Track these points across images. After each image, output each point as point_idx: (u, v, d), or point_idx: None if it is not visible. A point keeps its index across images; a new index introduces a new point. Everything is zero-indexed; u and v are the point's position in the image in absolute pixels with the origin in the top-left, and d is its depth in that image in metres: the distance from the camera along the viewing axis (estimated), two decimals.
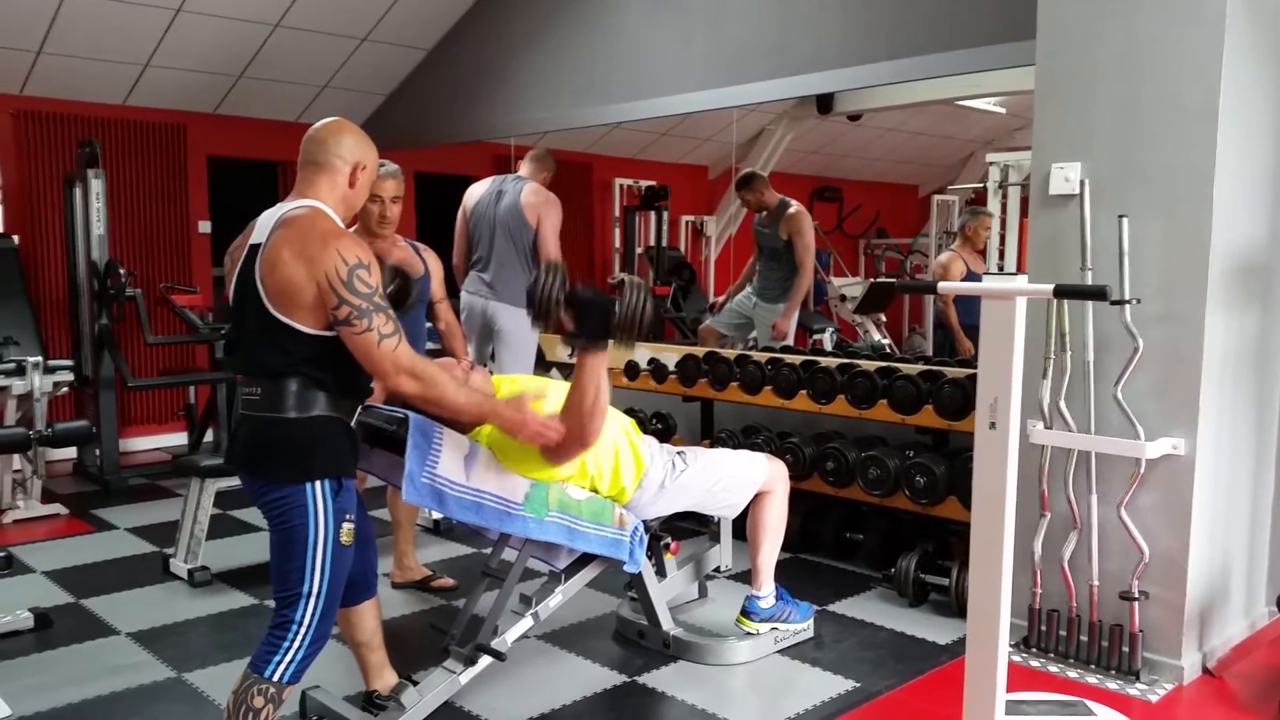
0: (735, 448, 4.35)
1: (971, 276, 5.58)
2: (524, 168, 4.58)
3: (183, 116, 6.49)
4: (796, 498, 3.97)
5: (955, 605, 3.50)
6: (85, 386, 5.58)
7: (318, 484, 2.19)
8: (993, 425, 1.97)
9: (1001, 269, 6.61)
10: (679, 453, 3.02)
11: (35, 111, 5.92)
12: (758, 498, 3.09)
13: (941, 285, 2.16)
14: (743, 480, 3.04)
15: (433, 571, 3.84)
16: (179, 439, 6.43)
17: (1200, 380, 2.87)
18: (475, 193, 4.55)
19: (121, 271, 5.33)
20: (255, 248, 2.19)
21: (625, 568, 2.88)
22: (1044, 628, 3.17)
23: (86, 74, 5.83)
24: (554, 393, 2.73)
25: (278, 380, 2.18)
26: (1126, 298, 2.89)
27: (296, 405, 2.18)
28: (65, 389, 5.08)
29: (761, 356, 4.53)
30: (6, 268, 5.54)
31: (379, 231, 3.43)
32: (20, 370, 4.81)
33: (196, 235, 6.68)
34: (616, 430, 2.83)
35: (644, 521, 2.94)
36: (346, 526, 2.24)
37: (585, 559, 2.94)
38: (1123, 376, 2.92)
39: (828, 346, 7.06)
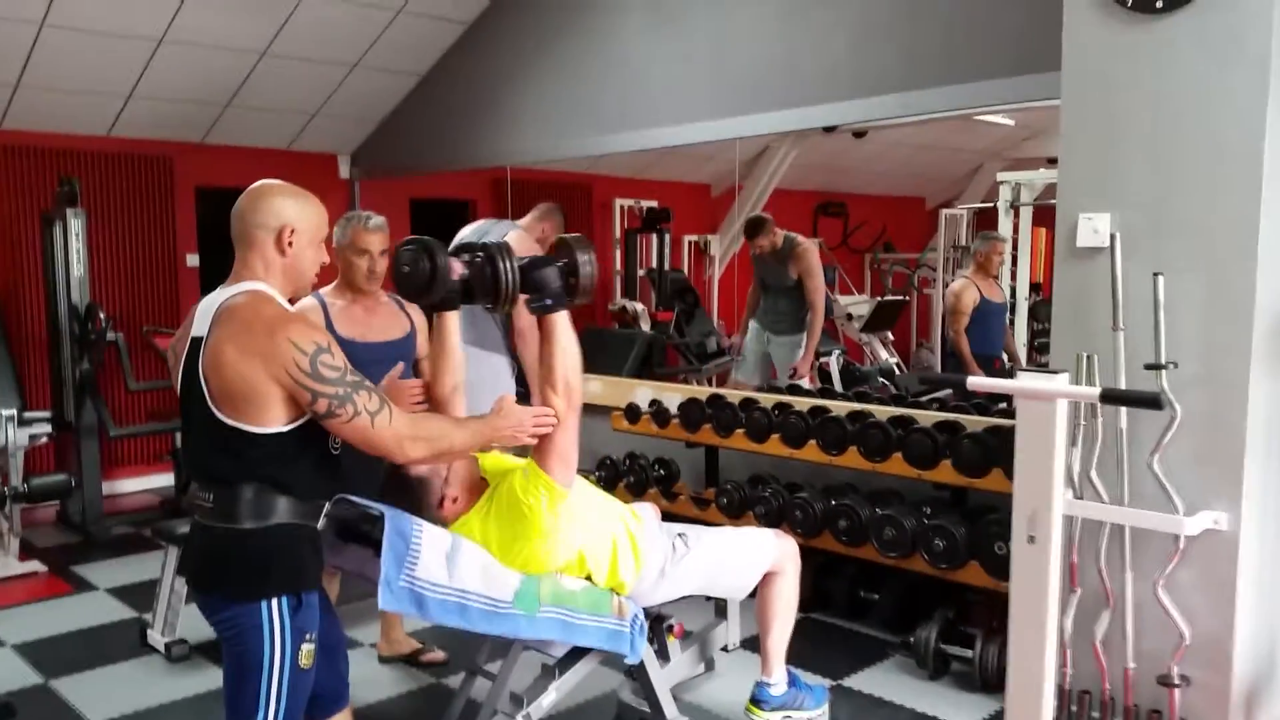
0: (741, 499, 4.16)
1: (985, 305, 5.37)
2: (527, 216, 4.32)
3: (169, 147, 6.29)
4: (807, 554, 3.77)
5: (979, 677, 3.28)
6: (67, 433, 5.38)
7: (274, 602, 1.99)
8: (1031, 539, 1.75)
9: (1014, 294, 6.38)
10: (680, 534, 2.80)
11: (13, 146, 5.72)
12: (767, 578, 2.87)
13: (972, 380, 1.94)
14: (749, 562, 2.83)
15: (422, 644, 3.62)
16: (168, 479, 6.22)
17: (1244, 449, 2.63)
18: (462, 234, 4.33)
19: (101, 315, 5.13)
20: (197, 341, 1.98)
21: (625, 660, 2.67)
22: (1074, 708, 2.95)
23: (67, 106, 5.63)
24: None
25: (231, 487, 1.98)
26: (1162, 361, 2.66)
27: (252, 514, 1.99)
28: (44, 439, 4.87)
29: (768, 401, 4.32)
30: None
31: (366, 288, 3.22)
32: None
33: (185, 269, 6.49)
34: (615, 522, 2.63)
35: (644, 609, 2.73)
36: (306, 648, 2.04)
37: (582, 648, 2.72)
38: (1159, 445, 2.68)
39: (834, 371, 6.84)
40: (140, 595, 4.29)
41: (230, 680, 2.04)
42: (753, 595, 2.95)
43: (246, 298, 1.99)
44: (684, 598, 2.84)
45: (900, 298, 9.18)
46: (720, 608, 3.27)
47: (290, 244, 2.03)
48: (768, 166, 8.53)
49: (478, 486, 2.49)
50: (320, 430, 1.99)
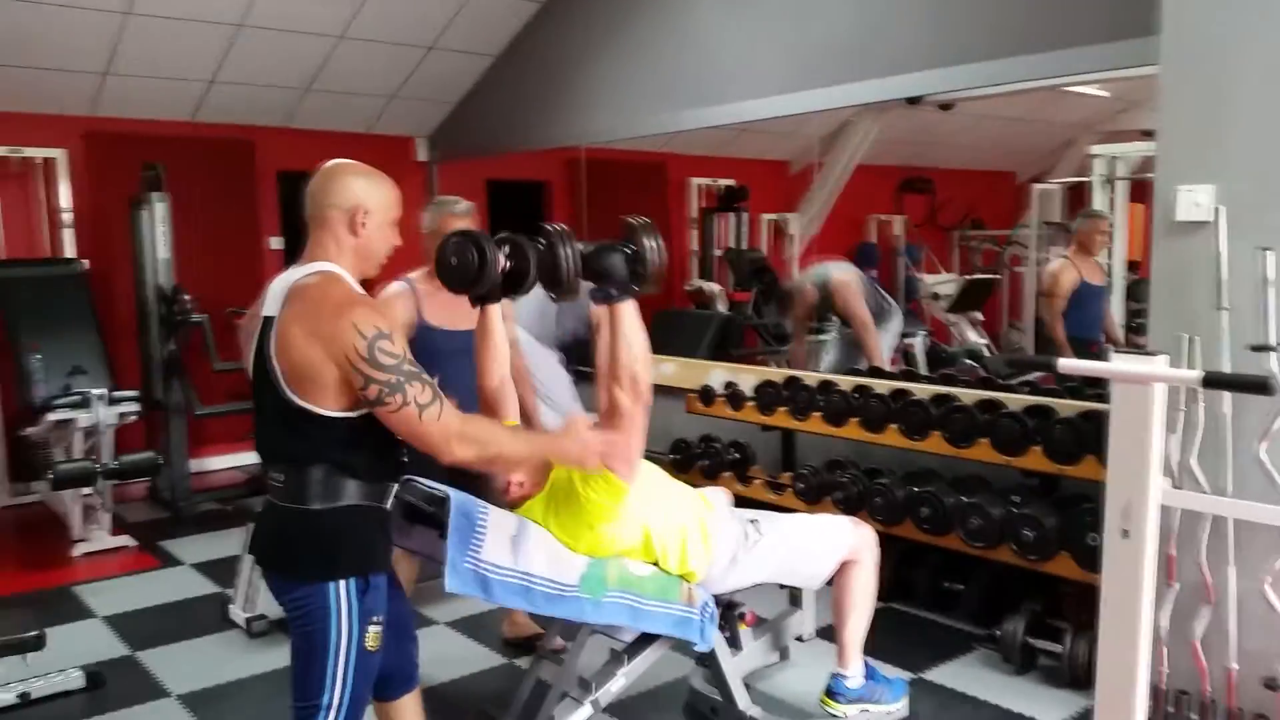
0: (818, 484, 4.06)
1: (1086, 287, 5.13)
2: None
3: (251, 132, 6.39)
4: (888, 542, 3.66)
5: (1068, 673, 3.14)
6: (156, 412, 5.52)
7: (342, 584, 1.98)
8: (1125, 534, 1.63)
9: (1109, 273, 6.10)
10: (752, 520, 2.72)
11: (103, 132, 5.88)
12: (843, 567, 2.78)
13: (1063, 363, 1.82)
14: (824, 550, 2.74)
15: (544, 629, 3.58)
16: (253, 457, 6.34)
17: None
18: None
19: (186, 297, 5.24)
20: (269, 321, 1.97)
21: (695, 648, 2.61)
22: (1170, 709, 2.79)
23: (152, 93, 5.76)
24: None
25: (301, 468, 1.97)
26: (1271, 343, 2.48)
27: (322, 495, 1.97)
28: (133, 418, 5.00)
29: (847, 383, 4.19)
30: (77, 293, 5.51)
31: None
32: (85, 403, 4.74)
33: (268, 252, 6.60)
34: (684, 511, 2.56)
35: (715, 596, 2.66)
36: (373, 630, 2.02)
37: (651, 634, 2.67)
38: (1267, 432, 2.51)
39: (919, 353, 6.65)
40: (224, 570, 4.38)
41: (297, 660, 2.04)
42: (830, 584, 2.87)
43: (317, 278, 1.97)
44: (757, 586, 2.76)
45: (990, 276, 8.88)
46: (795, 596, 3.19)
47: (363, 224, 2.02)
48: (849, 142, 8.31)
49: (543, 471, 2.45)
50: None
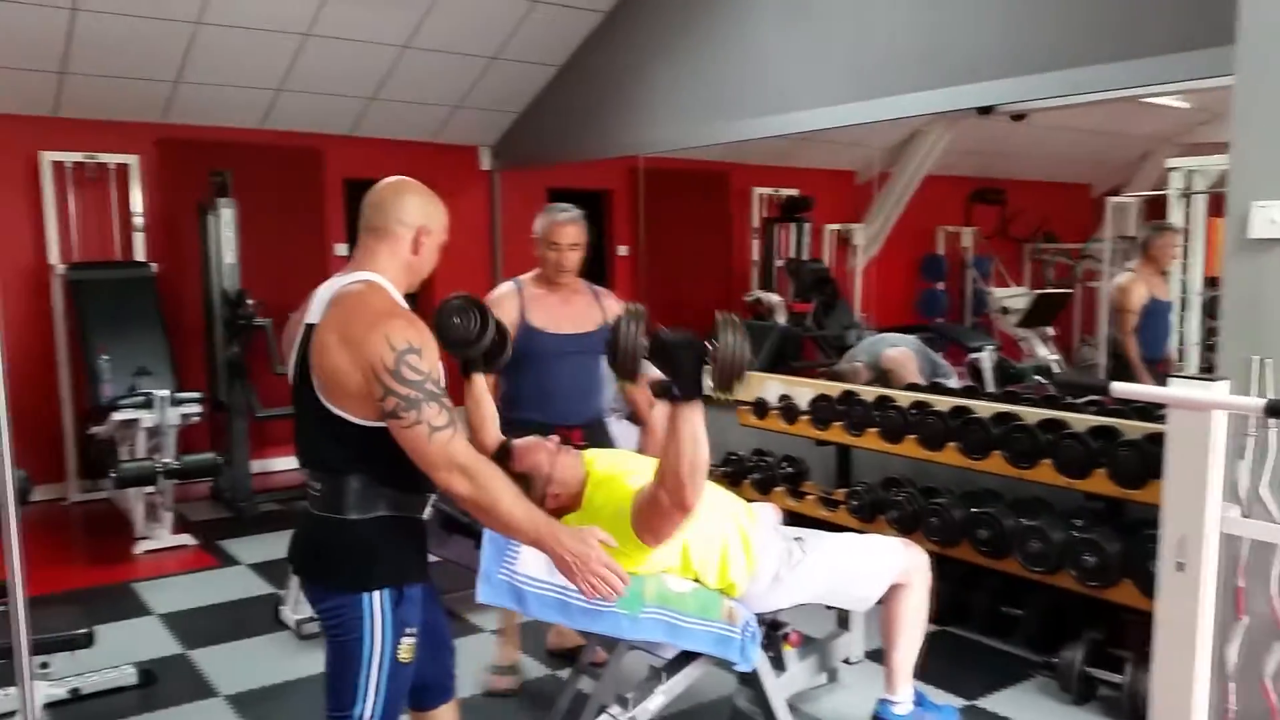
0: (873, 502, 3.96)
1: (1155, 304, 4.94)
2: None
3: (318, 140, 6.50)
4: (945, 564, 3.55)
5: (1128, 705, 3.01)
6: (220, 413, 5.63)
7: (376, 594, 1.96)
8: (1180, 567, 1.53)
9: (1185, 289, 5.89)
10: (798, 538, 2.65)
11: (174, 139, 6.02)
12: (892, 590, 2.69)
13: (1116, 387, 1.72)
14: (873, 573, 2.65)
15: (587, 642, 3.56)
16: None
17: None
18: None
19: (250, 301, 5.33)
20: (310, 328, 1.97)
21: (736, 667, 2.55)
22: None
23: (222, 100, 5.88)
24: (647, 470, 2.41)
25: (338, 477, 1.97)
26: None
27: (358, 505, 1.96)
28: (196, 419, 5.10)
29: (906, 399, 4.09)
30: (145, 295, 5.65)
31: (555, 279, 3.22)
32: (150, 403, 4.85)
33: (334, 258, 6.70)
34: (726, 521, 2.50)
35: (758, 614, 2.60)
36: (406, 642, 2.00)
37: (691, 652, 2.62)
38: None
39: (986, 368, 6.49)
40: (279, 571, 4.43)
41: (331, 669, 2.03)
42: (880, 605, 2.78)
43: (361, 286, 1.97)
44: (804, 606, 2.69)
45: (1062, 290, 8.64)
46: (843, 617, 3.10)
47: (422, 244, 2.04)
48: (918, 152, 8.18)
49: (581, 485, 2.41)
50: None
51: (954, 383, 5.29)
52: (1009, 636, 3.62)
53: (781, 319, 7.51)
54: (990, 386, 6.00)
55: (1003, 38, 3.97)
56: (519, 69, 6.22)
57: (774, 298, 7.71)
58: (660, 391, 2.14)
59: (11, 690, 2.80)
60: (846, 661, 3.08)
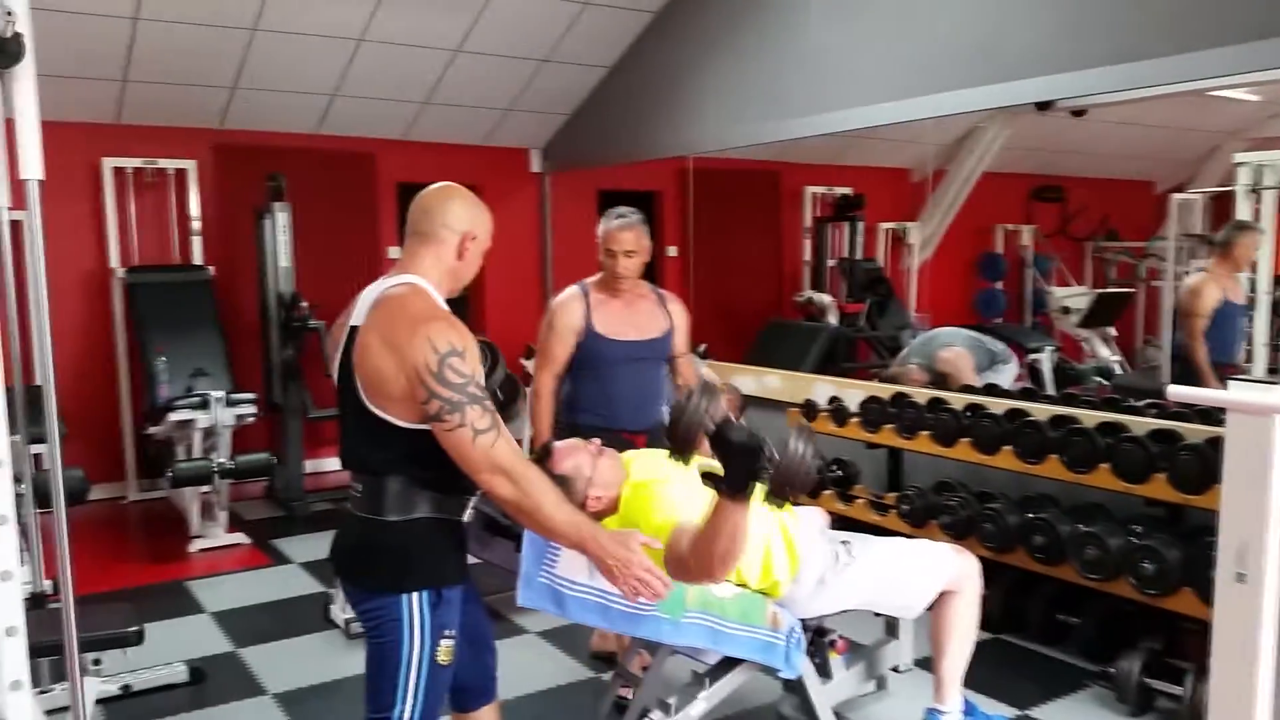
0: (925, 506, 3.88)
1: (1227, 306, 4.75)
2: None
3: (371, 144, 6.57)
4: (998, 570, 3.48)
5: (1188, 717, 2.91)
6: (274, 414, 5.71)
7: (414, 596, 1.96)
8: (1240, 578, 1.46)
9: (1253, 288, 5.69)
10: (844, 541, 2.61)
11: (231, 145, 6.13)
12: (942, 597, 2.63)
13: (1172, 390, 1.65)
14: (921, 579, 2.59)
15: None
16: None
17: None
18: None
19: (304, 304, 5.40)
20: (354, 330, 1.98)
21: (780, 674, 2.51)
22: None
23: (277, 106, 5.97)
24: (686, 478, 2.37)
25: (379, 479, 1.98)
26: None
27: (397, 507, 1.97)
28: (250, 420, 5.18)
29: (959, 402, 4.01)
30: (202, 298, 5.75)
31: (616, 285, 3.22)
32: (205, 404, 4.93)
33: (386, 261, 6.76)
34: (767, 520, 2.46)
35: (802, 620, 2.55)
36: (445, 644, 2.00)
37: (734, 658, 2.58)
38: None
39: (1045, 370, 6.35)
40: (328, 570, 4.43)
41: (370, 669, 2.03)
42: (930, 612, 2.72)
43: (404, 289, 1.98)
44: (852, 611, 2.64)
45: (1124, 290, 8.44)
46: (891, 624, 3.04)
47: (467, 249, 2.05)
48: (975, 149, 8.03)
49: (617, 490, 2.39)
50: None
51: (1013, 367, 5.18)
52: (1064, 645, 3.52)
53: (833, 319, 7.42)
54: (1049, 388, 5.86)
55: (1061, 30, 3.86)
56: (569, 71, 6.22)
57: (825, 298, 7.63)
58: (710, 483, 2.02)
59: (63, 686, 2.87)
60: (895, 669, 3.02)
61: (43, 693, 2.95)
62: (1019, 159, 8.70)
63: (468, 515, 2.09)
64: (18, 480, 2.46)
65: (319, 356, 5.62)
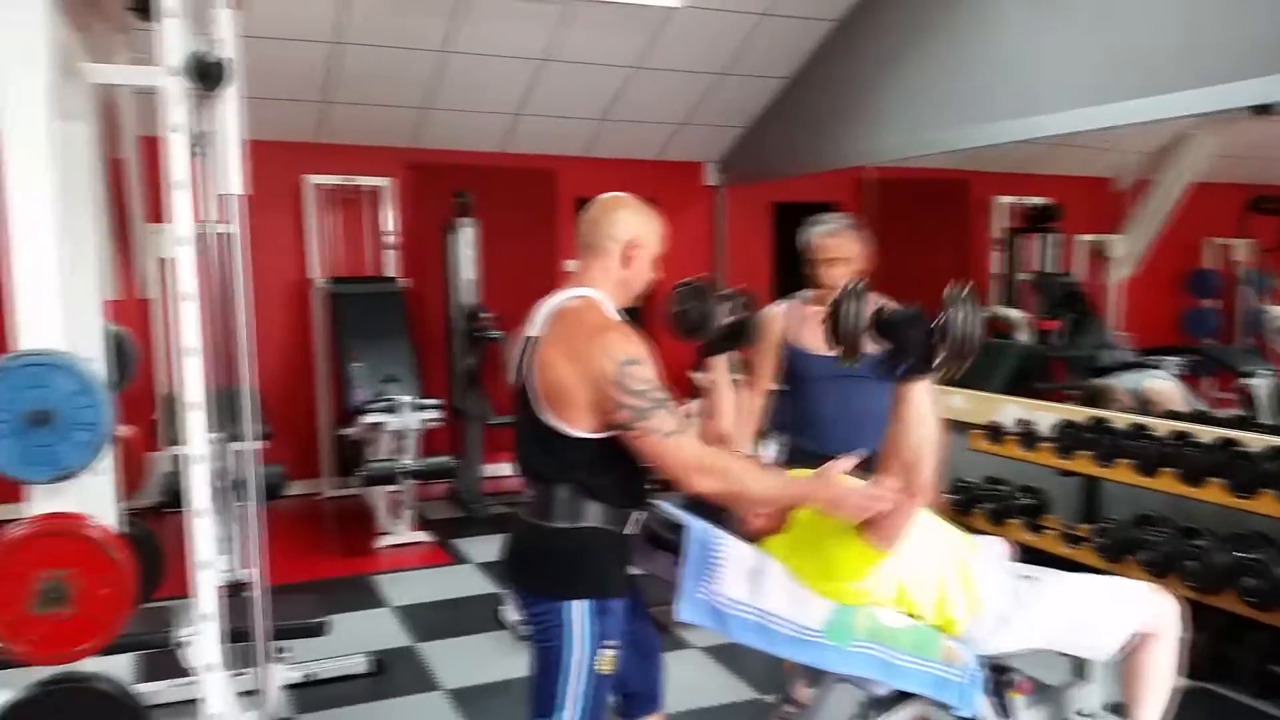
0: (1122, 540, 3.62)
1: None
2: None
3: (552, 161, 6.74)
4: (1204, 614, 3.19)
5: None
6: (458, 419, 5.93)
7: (578, 604, 2.00)
8: None
9: None
10: (1028, 576, 2.44)
11: (422, 163, 6.43)
12: (1137, 640, 2.42)
13: None
14: (1113, 620, 2.39)
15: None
16: None
17: None
18: None
19: (486, 315, 5.59)
20: (530, 341, 2.04)
21: (954, 712, 2.37)
22: None
23: (465, 125, 6.22)
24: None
25: (550, 486, 2.04)
26: None
27: (566, 514, 2.02)
28: (435, 424, 5.40)
29: (1164, 429, 3.72)
30: (395, 309, 6.05)
31: (825, 299, 3.11)
32: (394, 408, 5.18)
33: (564, 274, 6.90)
34: (944, 557, 2.33)
35: (982, 657, 2.40)
36: (606, 654, 2.02)
37: (907, 692, 2.46)
38: None
39: (1261, 395, 5.83)
40: (502, 573, 4.59)
41: (534, 674, 2.08)
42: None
43: (578, 302, 2.04)
44: (1038, 650, 2.47)
45: None
46: (1080, 665, 2.82)
47: (633, 257, 2.08)
48: (1184, 157, 7.48)
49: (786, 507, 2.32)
50: None
51: (1263, 375, 4.78)
52: (1278, 699, 3.19)
53: (1024, 337, 7.05)
54: (1265, 416, 5.36)
55: (1275, 28, 3.53)
56: (746, 83, 6.20)
57: (1015, 314, 7.26)
58: (883, 370, 2.06)
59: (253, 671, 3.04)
60: (1081, 714, 2.80)
61: (237, 675, 3.14)
62: (1232, 167, 8.06)
63: (632, 528, 2.09)
64: (225, 476, 2.64)
65: (499, 366, 5.81)
